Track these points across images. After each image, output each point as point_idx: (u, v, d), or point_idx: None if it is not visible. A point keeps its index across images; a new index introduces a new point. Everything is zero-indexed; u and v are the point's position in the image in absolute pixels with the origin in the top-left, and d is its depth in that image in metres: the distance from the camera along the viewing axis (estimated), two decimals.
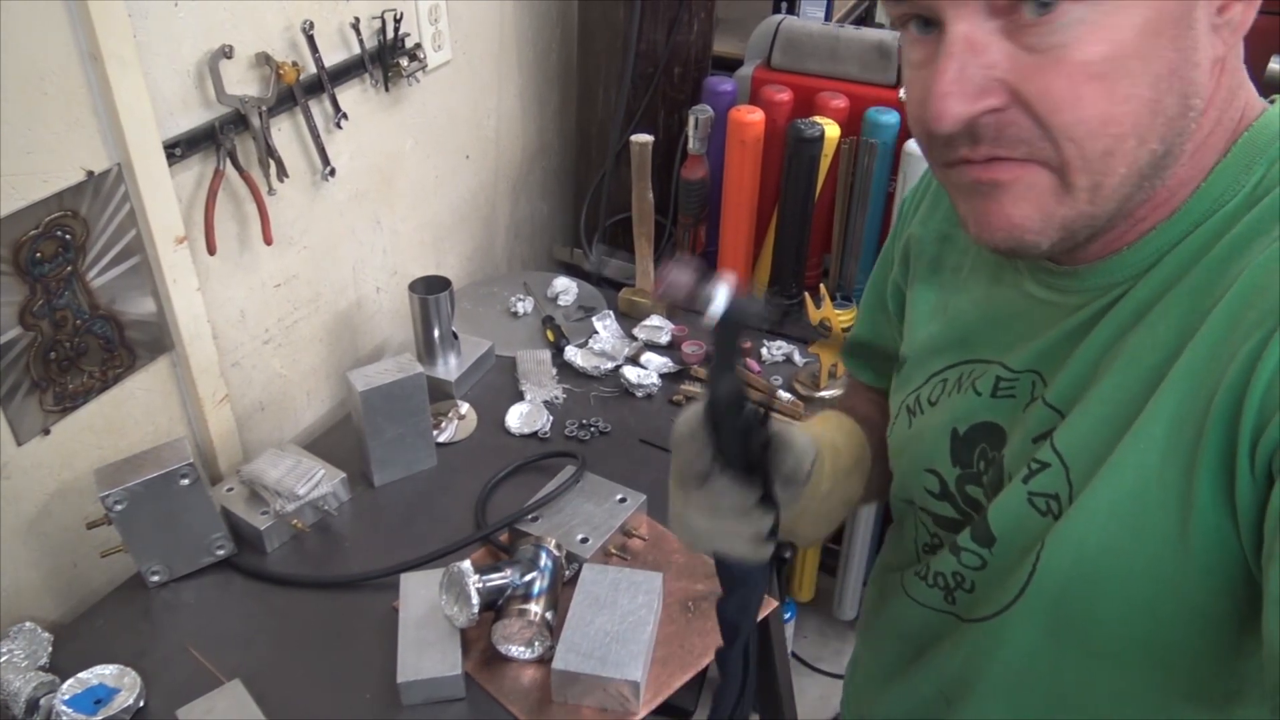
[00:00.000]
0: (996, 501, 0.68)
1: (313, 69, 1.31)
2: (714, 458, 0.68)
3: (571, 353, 1.57)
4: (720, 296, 0.61)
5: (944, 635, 0.76)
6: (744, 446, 0.67)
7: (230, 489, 1.27)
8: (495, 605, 1.07)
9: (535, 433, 1.43)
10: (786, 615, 1.96)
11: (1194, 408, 0.56)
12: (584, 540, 1.20)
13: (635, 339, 1.62)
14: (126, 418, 1.21)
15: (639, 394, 1.51)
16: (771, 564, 0.73)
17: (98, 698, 1.02)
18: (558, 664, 1.03)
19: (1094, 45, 0.53)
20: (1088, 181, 0.57)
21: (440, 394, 1.49)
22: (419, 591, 1.13)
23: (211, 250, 1.22)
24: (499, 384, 1.54)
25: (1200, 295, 0.58)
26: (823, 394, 1.51)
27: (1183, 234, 0.61)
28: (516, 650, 1.08)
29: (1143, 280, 0.62)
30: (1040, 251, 0.60)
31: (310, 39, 1.29)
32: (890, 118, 1.56)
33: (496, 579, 1.07)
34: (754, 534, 0.69)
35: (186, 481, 1.14)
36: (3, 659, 1.06)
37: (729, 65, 1.82)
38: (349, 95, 1.40)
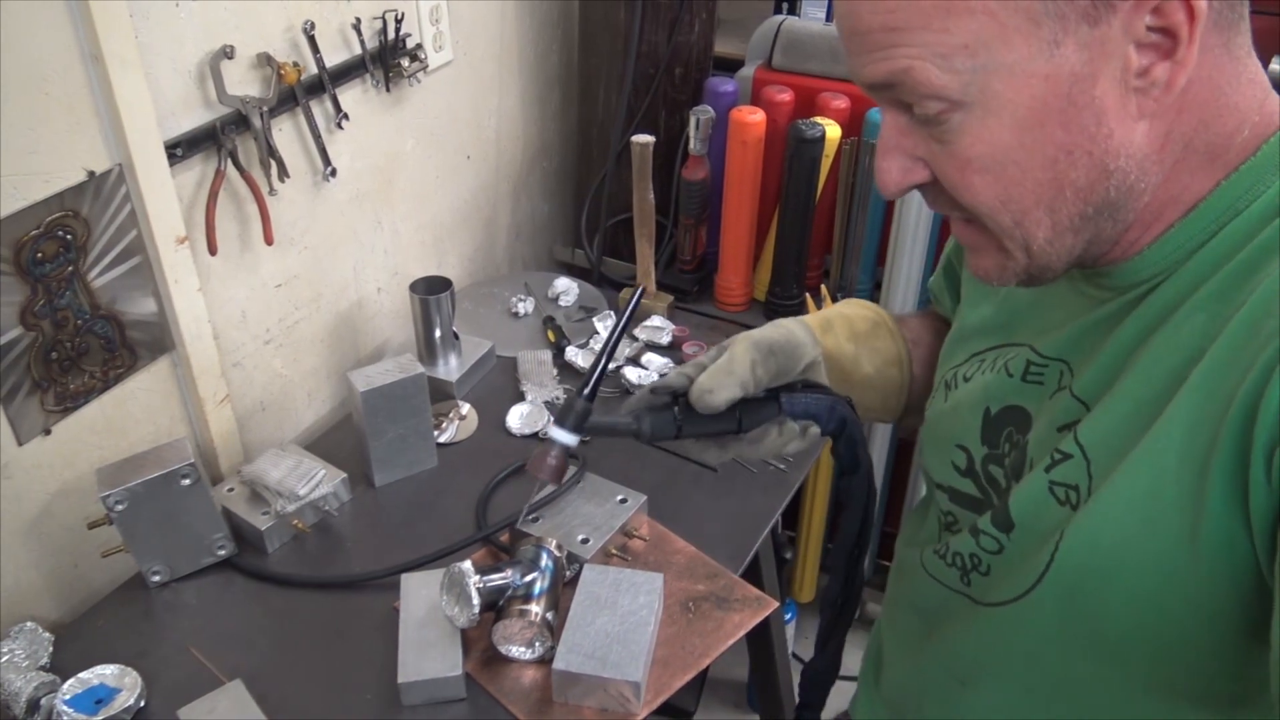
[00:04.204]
0: (1018, 489, 0.69)
1: (314, 69, 1.31)
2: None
3: (572, 353, 1.57)
4: (558, 438, 0.82)
5: (956, 616, 0.77)
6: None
7: (231, 489, 1.27)
8: (496, 606, 1.07)
9: (536, 433, 1.43)
10: (787, 615, 1.96)
11: (1210, 413, 0.57)
12: (585, 541, 1.20)
13: (636, 339, 1.62)
14: (127, 418, 1.21)
15: None
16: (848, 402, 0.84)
17: (98, 698, 1.02)
18: (558, 664, 1.03)
19: (975, 146, 0.59)
20: (1016, 245, 0.63)
21: (441, 394, 1.49)
22: (419, 592, 1.13)
23: (212, 250, 1.22)
24: (500, 384, 1.54)
25: (1223, 301, 0.59)
26: None
27: (1207, 232, 0.61)
28: (517, 651, 1.08)
29: (1170, 280, 0.63)
30: (1033, 284, 0.66)
31: (311, 39, 1.29)
32: None
33: (497, 579, 1.07)
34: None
35: (187, 481, 1.14)
36: (4, 659, 1.06)
37: (730, 66, 1.82)
38: (350, 96, 1.40)
